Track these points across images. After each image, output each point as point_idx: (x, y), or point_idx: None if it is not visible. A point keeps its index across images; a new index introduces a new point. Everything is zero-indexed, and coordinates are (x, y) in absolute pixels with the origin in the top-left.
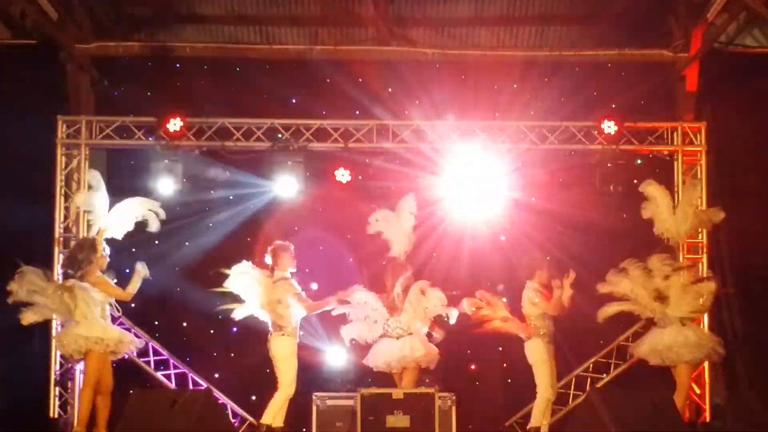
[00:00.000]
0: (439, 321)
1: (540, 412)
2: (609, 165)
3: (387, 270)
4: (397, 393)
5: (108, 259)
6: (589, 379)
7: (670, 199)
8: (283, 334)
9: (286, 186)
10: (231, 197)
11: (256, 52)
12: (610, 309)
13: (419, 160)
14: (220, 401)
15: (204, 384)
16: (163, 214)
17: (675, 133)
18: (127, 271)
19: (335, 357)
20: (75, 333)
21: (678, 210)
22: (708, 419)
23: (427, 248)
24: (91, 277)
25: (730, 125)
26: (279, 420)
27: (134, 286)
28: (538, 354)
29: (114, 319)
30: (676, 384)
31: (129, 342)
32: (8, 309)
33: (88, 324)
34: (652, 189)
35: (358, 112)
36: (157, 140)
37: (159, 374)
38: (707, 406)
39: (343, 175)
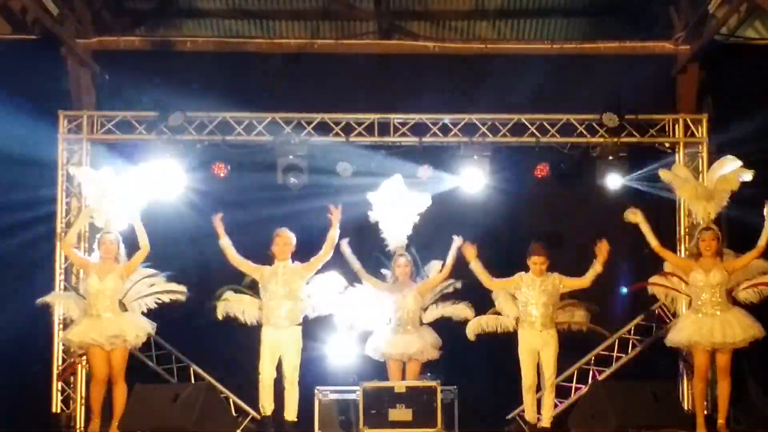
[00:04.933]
0: None
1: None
2: (611, 158)
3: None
4: (400, 386)
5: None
6: (591, 372)
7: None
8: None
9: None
10: None
11: (256, 46)
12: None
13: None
14: (222, 395)
15: (206, 378)
16: None
17: (676, 125)
18: None
19: (338, 350)
20: None
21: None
22: (709, 412)
23: None
24: None
25: (732, 117)
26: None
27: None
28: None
29: None
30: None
31: None
32: (9, 305)
33: None
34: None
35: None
36: (158, 135)
37: (161, 368)
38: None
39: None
